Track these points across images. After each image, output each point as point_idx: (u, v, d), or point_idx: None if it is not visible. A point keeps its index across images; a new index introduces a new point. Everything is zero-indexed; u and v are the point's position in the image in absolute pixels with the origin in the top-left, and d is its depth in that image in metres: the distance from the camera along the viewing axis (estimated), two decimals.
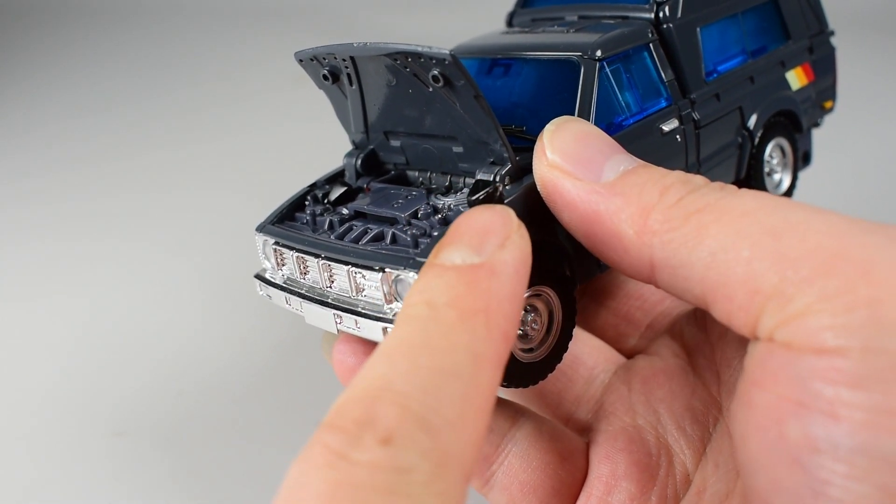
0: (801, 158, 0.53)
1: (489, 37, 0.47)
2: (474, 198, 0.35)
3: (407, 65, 0.36)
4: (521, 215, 0.34)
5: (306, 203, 0.43)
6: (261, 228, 0.42)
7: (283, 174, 0.95)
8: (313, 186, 0.45)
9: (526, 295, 0.35)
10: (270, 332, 0.69)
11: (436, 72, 0.34)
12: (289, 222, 0.43)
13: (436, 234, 0.35)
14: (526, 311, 0.36)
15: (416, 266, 0.33)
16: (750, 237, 0.27)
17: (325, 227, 0.40)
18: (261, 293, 0.43)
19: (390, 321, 0.34)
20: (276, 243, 0.41)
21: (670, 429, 0.41)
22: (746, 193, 0.30)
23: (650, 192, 0.31)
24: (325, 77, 0.41)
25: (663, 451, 0.40)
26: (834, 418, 0.24)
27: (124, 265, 0.80)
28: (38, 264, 0.82)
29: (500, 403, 0.41)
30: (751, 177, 0.48)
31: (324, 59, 0.40)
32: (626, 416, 0.42)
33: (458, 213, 0.36)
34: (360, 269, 0.36)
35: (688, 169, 0.43)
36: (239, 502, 0.52)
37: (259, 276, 0.43)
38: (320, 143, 1.02)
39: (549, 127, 0.34)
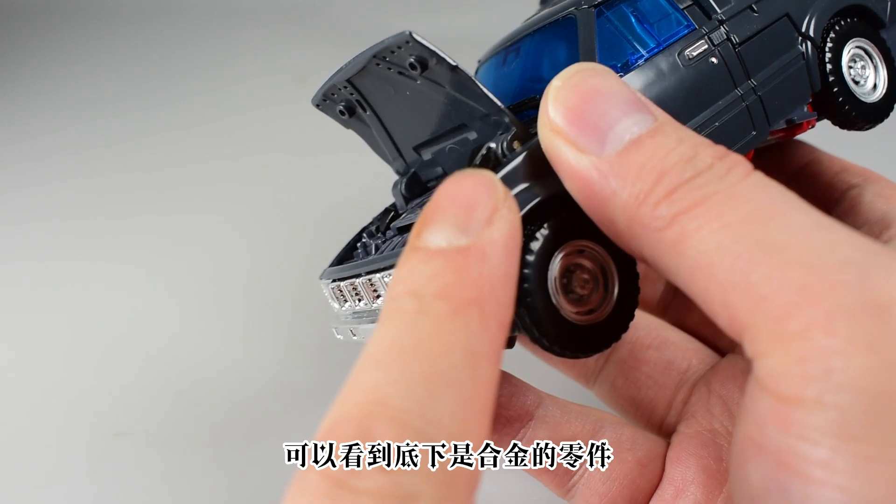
0: None
1: (506, 34, 0.46)
2: (470, 166, 0.33)
3: (389, 66, 0.35)
4: (534, 172, 0.32)
5: (363, 239, 0.43)
6: (322, 276, 0.42)
7: (286, 173, 0.95)
8: (369, 225, 0.45)
9: (563, 254, 0.33)
10: (272, 333, 0.69)
11: (410, 59, 0.33)
12: (344, 262, 0.42)
13: None
14: (570, 270, 0.33)
15: None
16: (727, 258, 0.25)
17: (373, 250, 0.40)
18: (338, 337, 0.42)
19: None
20: (333, 281, 0.41)
21: None
22: (747, 189, 0.27)
23: (646, 177, 0.28)
24: (342, 112, 0.41)
25: None
26: (785, 468, 0.23)
27: (127, 264, 0.80)
28: (38, 263, 0.82)
29: (582, 413, 0.41)
30: (830, 89, 0.43)
31: (332, 94, 0.40)
32: (703, 420, 0.41)
33: None
34: (388, 272, 0.35)
35: (742, 91, 0.40)
36: (240, 503, 0.53)
37: (334, 324, 0.42)
38: (324, 138, 1.03)
39: (554, 81, 0.31)
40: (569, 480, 0.40)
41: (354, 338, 0.39)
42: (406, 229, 0.39)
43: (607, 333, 0.34)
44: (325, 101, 0.41)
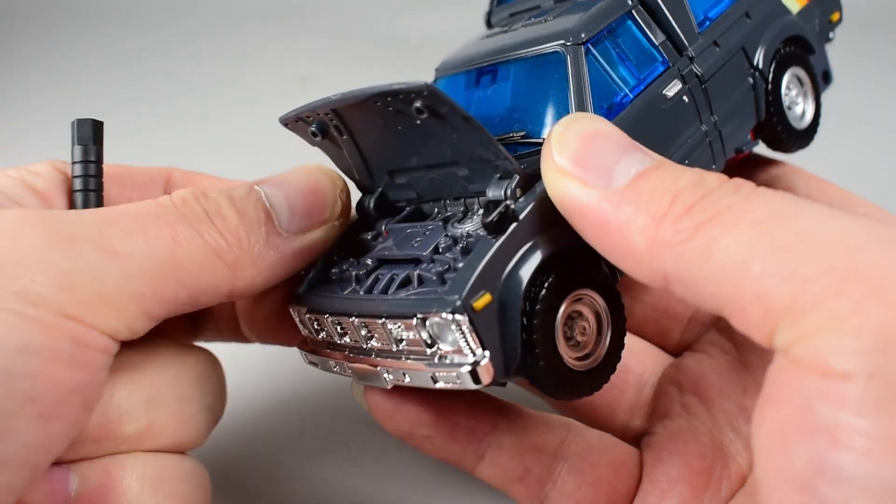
0: (822, 79, 0.50)
1: (471, 45, 0.46)
2: (488, 220, 0.33)
3: (388, 104, 0.35)
4: (540, 225, 0.34)
5: (335, 260, 0.42)
6: (292, 300, 0.40)
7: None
8: (335, 245, 0.43)
9: (566, 304, 0.34)
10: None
11: (418, 104, 0.33)
12: (319, 287, 0.41)
13: (460, 265, 0.34)
14: (571, 318, 0.35)
15: (446, 305, 0.31)
16: (761, 252, 0.26)
17: (353, 281, 0.38)
18: (307, 363, 0.41)
19: (438, 366, 0.33)
20: (309, 311, 0.39)
21: (725, 429, 0.40)
22: (761, 196, 0.28)
23: (661, 199, 0.29)
24: (314, 134, 0.40)
25: (718, 452, 0.39)
26: (838, 444, 0.23)
27: None
28: None
29: (547, 421, 0.41)
30: (771, 115, 0.45)
31: (308, 117, 0.39)
32: (679, 418, 0.41)
33: (479, 238, 0.34)
34: (395, 320, 0.34)
35: (706, 128, 0.41)
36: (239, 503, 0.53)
37: (301, 347, 0.42)
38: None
39: (555, 128, 0.33)
40: (542, 490, 0.39)
41: (335, 370, 0.39)
42: (387, 262, 0.39)
43: (603, 372, 0.36)
44: (297, 122, 0.40)
